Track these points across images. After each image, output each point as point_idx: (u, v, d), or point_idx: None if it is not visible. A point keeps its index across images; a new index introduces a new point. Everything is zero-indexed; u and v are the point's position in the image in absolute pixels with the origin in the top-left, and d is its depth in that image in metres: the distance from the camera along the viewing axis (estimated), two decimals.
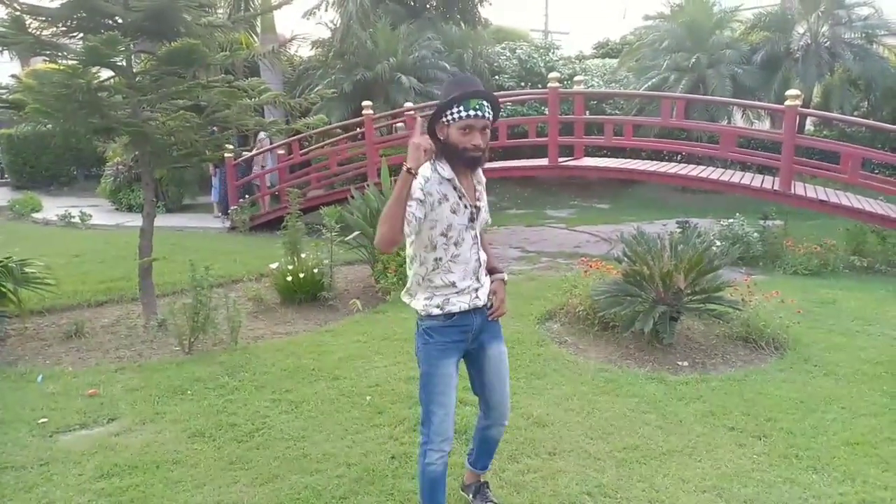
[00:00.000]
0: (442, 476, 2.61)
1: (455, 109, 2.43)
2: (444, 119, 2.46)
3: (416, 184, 2.42)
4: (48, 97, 4.96)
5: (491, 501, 2.94)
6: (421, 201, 2.42)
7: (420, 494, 2.68)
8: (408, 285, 2.70)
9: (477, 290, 2.60)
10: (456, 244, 2.54)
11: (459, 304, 2.56)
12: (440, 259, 2.54)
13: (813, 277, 7.39)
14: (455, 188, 2.51)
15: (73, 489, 3.13)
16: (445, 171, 2.49)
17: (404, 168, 2.38)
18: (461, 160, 2.47)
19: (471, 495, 2.98)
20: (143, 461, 3.36)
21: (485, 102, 2.45)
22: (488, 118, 2.47)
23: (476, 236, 2.60)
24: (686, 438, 3.58)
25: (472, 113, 2.42)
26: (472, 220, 2.55)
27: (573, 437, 3.60)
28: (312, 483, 3.15)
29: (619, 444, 3.51)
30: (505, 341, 2.79)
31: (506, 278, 2.74)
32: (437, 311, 2.56)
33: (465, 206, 2.53)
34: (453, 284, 2.55)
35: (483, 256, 2.65)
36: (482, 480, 3.00)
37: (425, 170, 2.45)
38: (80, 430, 3.73)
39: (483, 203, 2.64)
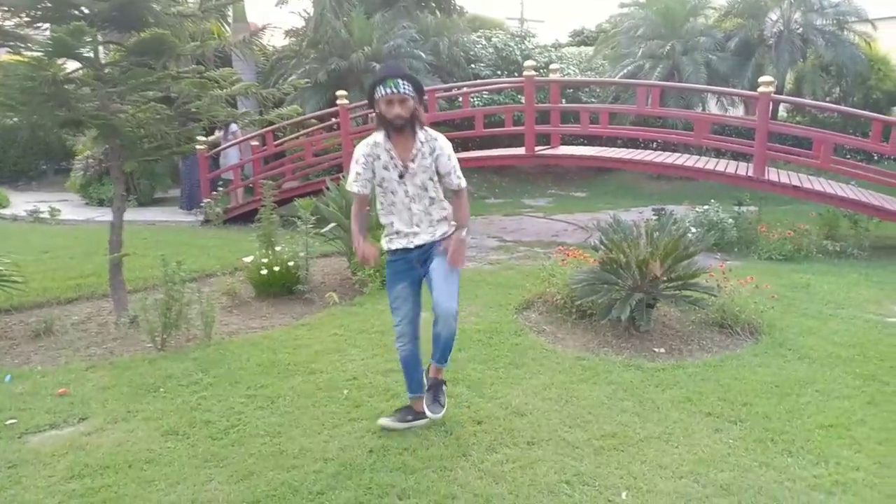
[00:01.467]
0: (409, 356, 3.50)
1: (378, 90, 3.18)
2: (374, 98, 3.21)
3: (358, 150, 3.32)
4: (13, 90, 4.84)
5: (436, 403, 3.46)
6: (364, 165, 3.29)
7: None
8: None
9: (415, 234, 3.36)
10: (393, 193, 3.32)
11: (398, 243, 3.39)
12: (382, 203, 3.39)
13: (787, 262, 7.48)
14: (387, 150, 3.26)
15: (44, 491, 3.05)
16: (380, 137, 3.27)
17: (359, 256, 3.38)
18: (389, 126, 3.21)
19: (426, 390, 3.50)
20: (115, 461, 3.29)
21: (399, 80, 3.15)
22: (404, 92, 3.15)
23: (410, 192, 3.30)
24: (663, 425, 3.60)
25: (387, 91, 3.15)
26: (401, 176, 3.27)
27: (551, 425, 3.60)
28: (289, 479, 3.11)
29: (597, 432, 3.52)
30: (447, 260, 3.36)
31: (463, 235, 3.36)
32: (386, 247, 3.45)
33: (395, 166, 3.27)
34: (392, 225, 3.39)
35: (419, 209, 3.33)
36: (440, 378, 3.51)
37: (368, 139, 3.31)
38: (50, 431, 3.65)
39: (435, 165, 3.31)
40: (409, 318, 3.45)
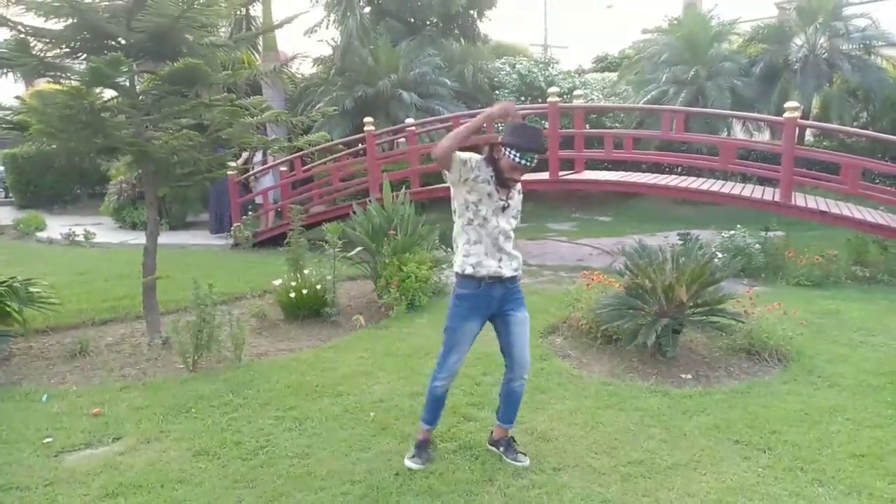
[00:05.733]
0: (445, 395, 3.48)
1: (514, 153, 3.17)
2: (504, 151, 3.20)
3: (475, 157, 3.25)
4: (52, 118, 5.00)
5: (519, 453, 3.48)
6: (474, 165, 3.22)
7: (424, 406, 3.55)
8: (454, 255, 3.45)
9: (501, 266, 3.29)
10: (485, 220, 3.26)
11: (487, 268, 3.27)
12: (468, 232, 3.30)
13: (815, 288, 7.39)
14: (493, 185, 3.25)
15: None
16: (491, 170, 3.25)
17: (490, 112, 3.25)
18: (501, 181, 3.25)
19: (500, 449, 3.53)
20: (147, 480, 3.36)
21: (535, 156, 3.19)
22: (532, 165, 3.22)
23: (501, 226, 3.28)
24: (690, 452, 3.57)
25: (523, 162, 3.18)
26: (503, 209, 3.29)
27: (577, 451, 3.60)
28: (317, 501, 3.15)
29: (624, 459, 3.51)
30: (525, 310, 3.42)
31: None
32: (467, 272, 3.29)
33: (500, 198, 3.28)
34: (479, 254, 3.28)
35: (503, 243, 3.29)
36: (509, 436, 3.54)
37: (481, 158, 3.27)
38: (85, 450, 3.74)
39: (518, 204, 3.41)
40: (463, 359, 3.41)
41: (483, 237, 3.27)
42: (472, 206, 3.27)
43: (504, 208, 3.30)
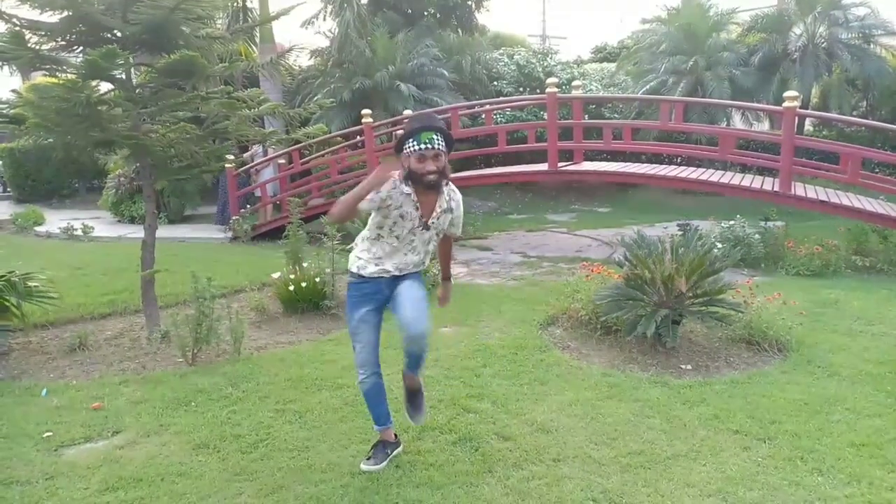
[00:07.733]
0: (373, 388, 3.36)
1: (410, 143, 3.01)
2: (405, 151, 3.03)
3: (386, 185, 2.99)
4: (48, 111, 4.98)
5: (420, 412, 3.43)
6: (382, 198, 3.01)
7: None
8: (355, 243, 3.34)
9: (389, 270, 3.18)
10: (397, 237, 3.13)
11: (374, 271, 3.18)
12: (378, 235, 3.16)
13: (815, 278, 7.39)
14: (413, 202, 3.08)
15: (79, 503, 3.13)
16: (408, 188, 3.06)
17: (369, 186, 2.95)
18: (420, 183, 3.03)
19: (405, 401, 3.48)
20: (147, 474, 3.35)
21: (434, 136, 2.99)
22: (438, 147, 3.00)
23: (415, 244, 3.17)
24: (690, 442, 3.58)
25: (422, 146, 2.98)
26: (417, 228, 3.12)
27: (577, 442, 3.60)
28: (317, 493, 3.15)
29: (624, 450, 3.51)
30: (420, 282, 3.30)
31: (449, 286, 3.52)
32: (355, 271, 3.24)
33: (418, 220, 3.11)
34: (377, 258, 3.19)
35: (414, 258, 3.21)
36: (416, 385, 3.43)
37: (395, 182, 3.04)
38: (85, 444, 3.73)
39: (443, 223, 3.20)
40: (372, 344, 3.32)
41: (386, 250, 3.17)
42: (386, 228, 3.13)
43: (424, 228, 3.14)
